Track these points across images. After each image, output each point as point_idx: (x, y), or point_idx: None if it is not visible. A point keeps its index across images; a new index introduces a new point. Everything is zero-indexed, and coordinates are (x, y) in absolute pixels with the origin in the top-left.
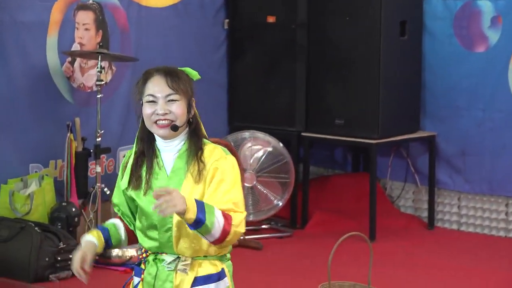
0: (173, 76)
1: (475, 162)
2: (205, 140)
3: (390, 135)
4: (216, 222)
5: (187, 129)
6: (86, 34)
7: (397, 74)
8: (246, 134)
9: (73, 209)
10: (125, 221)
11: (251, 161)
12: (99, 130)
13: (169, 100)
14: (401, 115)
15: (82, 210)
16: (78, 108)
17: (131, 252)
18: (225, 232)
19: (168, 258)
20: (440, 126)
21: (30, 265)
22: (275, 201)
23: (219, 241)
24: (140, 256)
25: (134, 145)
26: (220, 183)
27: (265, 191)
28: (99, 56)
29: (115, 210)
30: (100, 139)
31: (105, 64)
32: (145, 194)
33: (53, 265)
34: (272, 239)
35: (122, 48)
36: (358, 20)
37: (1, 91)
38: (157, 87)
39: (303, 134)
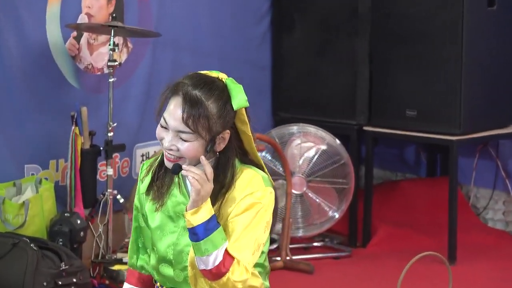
0: (195, 107)
1: None
2: (244, 166)
3: (475, 130)
4: (213, 255)
5: (213, 158)
6: (95, 3)
7: (484, 53)
8: (294, 128)
9: (78, 221)
10: (143, 243)
11: (301, 162)
12: (111, 123)
13: (180, 137)
14: (489, 105)
15: (89, 223)
16: (85, 95)
17: None
18: (218, 273)
19: None
20: None
21: None
22: (330, 212)
23: (210, 276)
24: None
25: (161, 153)
26: (245, 214)
27: (317, 200)
28: (112, 30)
29: (134, 222)
30: (112, 133)
31: (119, 40)
32: (156, 210)
33: None
34: (326, 259)
35: (140, 21)
36: None
37: None
38: (172, 114)
39: (365, 128)
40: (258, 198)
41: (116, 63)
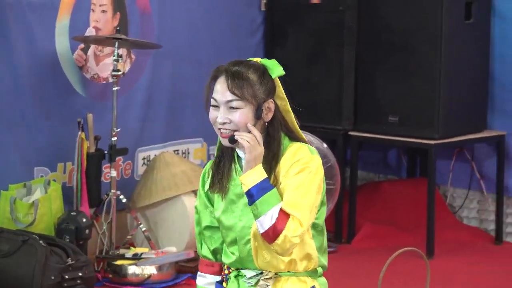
0: (238, 78)
1: None
2: (292, 142)
3: (452, 135)
4: (269, 214)
5: (264, 133)
6: (102, 17)
7: (461, 63)
8: None
9: (84, 220)
10: (205, 238)
11: None
12: (115, 128)
13: (230, 107)
14: (465, 111)
15: (94, 221)
16: (91, 103)
17: (150, 269)
18: (275, 231)
19: (249, 273)
20: (511, 124)
21: (33, 284)
22: None
23: (269, 238)
24: (223, 273)
25: (216, 147)
26: (296, 177)
27: None
28: (116, 43)
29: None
30: (116, 138)
31: (123, 51)
32: (222, 199)
33: (59, 284)
34: None
35: (142, 33)
36: (417, 1)
37: (2, 83)
38: (219, 90)
39: (350, 133)
40: (305, 163)
41: (120, 73)
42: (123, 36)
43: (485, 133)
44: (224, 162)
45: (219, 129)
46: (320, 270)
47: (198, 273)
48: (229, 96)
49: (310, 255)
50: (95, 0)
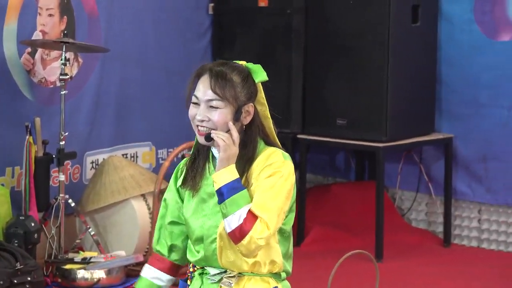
0: (221, 78)
1: (498, 168)
2: (267, 147)
3: (400, 138)
4: (238, 214)
5: (240, 134)
6: (49, 21)
7: (409, 66)
8: None
9: (32, 224)
10: (166, 233)
11: None
12: (62, 132)
13: (210, 106)
14: (413, 114)
15: (43, 225)
16: (38, 107)
17: (99, 273)
18: (242, 231)
19: (213, 270)
20: (458, 127)
21: None
22: None
23: (235, 238)
24: (187, 272)
25: (193, 145)
26: (267, 180)
27: None
28: (63, 46)
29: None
30: (64, 142)
31: (70, 55)
32: (193, 196)
33: None
34: None
35: (90, 37)
36: (364, 4)
37: None
38: (201, 88)
39: (299, 136)
40: (277, 167)
41: (68, 76)
42: (70, 40)
43: (433, 136)
44: (199, 160)
45: (197, 126)
46: (284, 275)
47: (146, 264)
48: (211, 95)
49: (274, 261)
50: (42, 4)
